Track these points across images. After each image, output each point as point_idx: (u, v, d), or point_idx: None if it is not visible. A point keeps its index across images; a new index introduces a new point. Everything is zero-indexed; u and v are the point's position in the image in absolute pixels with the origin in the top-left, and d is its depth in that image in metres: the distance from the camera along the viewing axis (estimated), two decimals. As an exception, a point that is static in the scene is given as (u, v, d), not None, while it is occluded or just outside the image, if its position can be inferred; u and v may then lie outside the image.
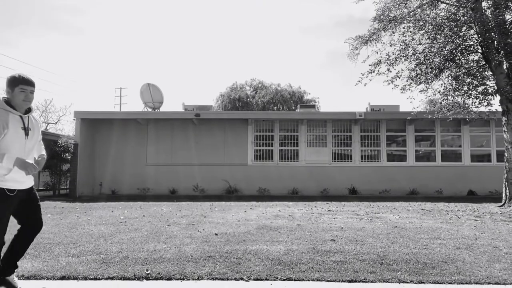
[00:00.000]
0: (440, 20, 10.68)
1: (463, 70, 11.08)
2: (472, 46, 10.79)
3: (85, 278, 3.74)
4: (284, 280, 3.72)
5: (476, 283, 3.60)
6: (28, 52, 64.63)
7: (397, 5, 11.73)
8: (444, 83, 11.41)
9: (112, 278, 3.75)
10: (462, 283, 3.58)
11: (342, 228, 6.61)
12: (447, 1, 11.22)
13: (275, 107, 36.16)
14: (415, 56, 11.15)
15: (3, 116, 3.09)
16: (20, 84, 3.15)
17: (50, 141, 16.51)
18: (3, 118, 3.07)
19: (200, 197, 13.73)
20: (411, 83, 11.38)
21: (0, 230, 3.28)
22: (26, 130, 3.20)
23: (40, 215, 3.54)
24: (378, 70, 11.67)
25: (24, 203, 3.35)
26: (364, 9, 68.85)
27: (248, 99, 36.87)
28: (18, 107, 3.19)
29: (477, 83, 11.13)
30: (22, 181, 3.25)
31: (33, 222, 3.48)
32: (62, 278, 3.76)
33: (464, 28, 10.77)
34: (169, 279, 3.76)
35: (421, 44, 11.33)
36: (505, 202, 10.52)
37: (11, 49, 61.78)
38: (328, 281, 3.67)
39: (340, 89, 68.14)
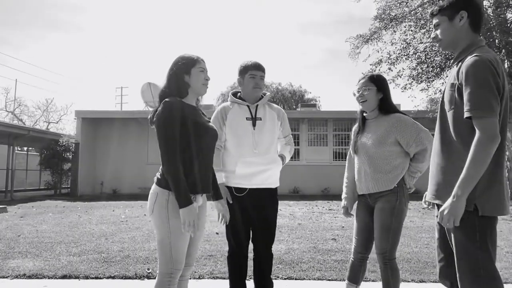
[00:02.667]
0: (442, 19, 10.67)
1: (464, 69, 11.07)
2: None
3: (87, 277, 3.75)
4: (285, 279, 3.72)
5: (478, 282, 3.59)
6: (30, 53, 64.74)
7: (398, 4, 11.73)
8: (445, 82, 11.40)
9: (113, 277, 3.76)
10: (464, 282, 3.58)
11: (343, 227, 6.61)
12: (448, 0, 11.20)
13: (276, 106, 36.17)
14: (416, 55, 11.15)
15: (223, 108, 2.83)
16: (249, 70, 2.79)
17: (51, 140, 16.54)
18: (222, 111, 2.81)
19: (201, 196, 13.71)
20: (412, 82, 11.38)
21: (234, 241, 2.76)
22: (253, 120, 2.79)
23: (271, 227, 2.84)
24: (379, 69, 11.67)
25: (257, 208, 2.76)
26: (364, 7, 68.94)
27: (249, 98, 36.84)
28: (249, 95, 2.83)
29: (478, 82, 11.11)
30: (252, 178, 2.73)
31: (261, 234, 2.81)
32: (64, 277, 3.76)
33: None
34: (170, 278, 3.76)
35: (422, 43, 11.33)
36: (506, 201, 10.52)
37: (17, 50, 61.90)
38: (329, 280, 3.67)
39: (341, 88, 68.17)
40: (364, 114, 2.70)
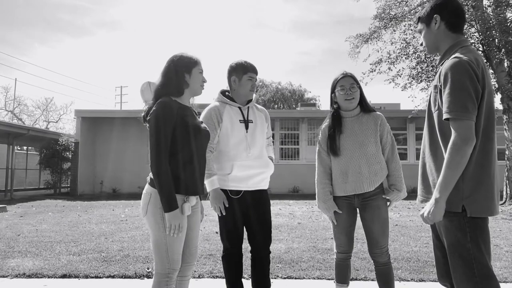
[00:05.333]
0: (441, 18, 10.66)
1: (464, 68, 11.06)
2: (473, 44, 10.77)
3: (86, 277, 3.75)
4: (284, 278, 3.72)
5: (477, 281, 3.59)
6: (30, 52, 64.69)
7: (397, 3, 11.71)
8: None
9: (113, 277, 3.76)
10: (463, 282, 3.58)
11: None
12: (448, -1, 11.19)
13: (276, 106, 36.13)
14: (416, 54, 11.14)
15: (217, 109, 2.72)
16: (249, 72, 2.73)
17: (51, 139, 16.54)
18: (216, 112, 2.71)
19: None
20: (412, 81, 11.36)
21: (228, 241, 2.77)
22: (246, 122, 2.77)
23: (267, 227, 2.81)
24: (379, 69, 11.67)
25: (251, 210, 2.75)
26: (364, 7, 68.94)
27: (249, 98, 36.80)
28: (243, 97, 2.78)
29: (478, 81, 11.11)
30: (249, 180, 2.71)
31: (258, 235, 2.79)
32: (64, 276, 3.77)
33: (465, 26, 10.76)
34: (170, 277, 3.77)
35: (422, 42, 11.32)
36: (505, 201, 10.53)
37: (17, 50, 61.88)
38: (328, 279, 3.67)
39: (340, 87, 67.93)
40: (343, 113, 2.62)
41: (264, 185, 2.83)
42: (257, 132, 2.79)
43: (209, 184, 2.63)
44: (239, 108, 2.78)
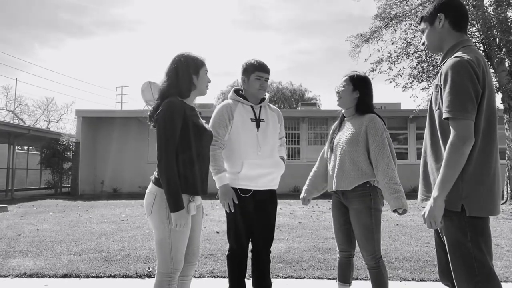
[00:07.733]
0: (442, 17, 10.65)
1: (465, 68, 11.05)
2: (474, 44, 10.75)
3: (87, 276, 3.75)
4: (285, 278, 3.72)
5: (478, 281, 3.59)
6: (30, 52, 64.74)
7: (398, 3, 11.71)
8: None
9: (114, 276, 3.76)
10: (464, 281, 3.57)
11: (344, 226, 6.60)
12: (449, -2, 11.18)
13: (276, 105, 36.15)
14: (417, 54, 11.13)
15: (229, 106, 2.74)
16: (256, 71, 2.74)
17: (52, 139, 16.55)
18: (228, 109, 2.72)
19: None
20: (412, 81, 11.35)
21: (235, 242, 2.74)
22: (257, 121, 2.78)
23: (271, 227, 2.81)
24: (380, 69, 11.66)
25: (258, 209, 2.74)
26: (364, 7, 68.94)
27: (249, 97, 36.76)
28: (253, 96, 2.79)
29: (478, 80, 11.10)
30: (259, 179, 2.70)
31: (261, 234, 2.79)
32: (64, 276, 3.77)
33: (468, 25, 10.74)
34: (171, 277, 3.76)
35: (422, 41, 11.32)
36: (506, 200, 10.52)
37: (17, 49, 61.92)
38: (329, 279, 3.67)
39: (341, 87, 67.86)
40: (343, 112, 2.71)
41: (274, 185, 2.82)
42: (268, 131, 2.79)
43: (218, 180, 2.63)
44: (251, 107, 2.79)
